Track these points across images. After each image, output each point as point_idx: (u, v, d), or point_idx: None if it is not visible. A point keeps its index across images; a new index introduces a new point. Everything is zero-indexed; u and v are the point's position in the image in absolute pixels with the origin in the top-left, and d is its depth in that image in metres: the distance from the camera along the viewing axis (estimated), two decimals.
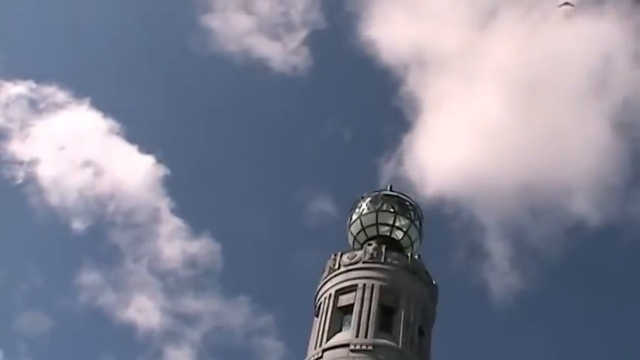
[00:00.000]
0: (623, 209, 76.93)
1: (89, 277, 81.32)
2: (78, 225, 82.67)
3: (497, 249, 78.88)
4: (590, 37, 79.08)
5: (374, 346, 32.23)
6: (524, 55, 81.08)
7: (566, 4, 61.56)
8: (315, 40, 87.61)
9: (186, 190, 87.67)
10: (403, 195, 40.76)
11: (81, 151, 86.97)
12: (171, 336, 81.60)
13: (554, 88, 79.41)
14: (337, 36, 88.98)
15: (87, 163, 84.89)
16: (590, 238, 78.29)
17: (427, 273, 37.12)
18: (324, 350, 32.77)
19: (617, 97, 78.77)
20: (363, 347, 32.14)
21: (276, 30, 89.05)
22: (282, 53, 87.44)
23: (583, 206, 76.56)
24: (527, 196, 76.25)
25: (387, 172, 74.92)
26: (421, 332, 34.53)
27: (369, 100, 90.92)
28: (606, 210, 76.67)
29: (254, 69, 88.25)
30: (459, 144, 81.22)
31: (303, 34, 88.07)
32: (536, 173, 75.43)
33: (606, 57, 79.11)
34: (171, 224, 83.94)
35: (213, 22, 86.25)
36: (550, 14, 79.01)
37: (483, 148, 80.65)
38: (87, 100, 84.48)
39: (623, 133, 77.37)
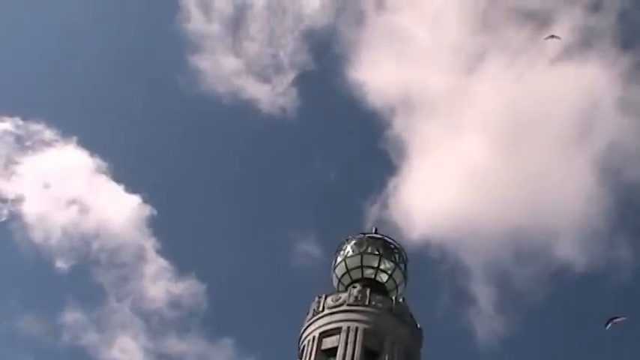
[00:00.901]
0: (608, 253, 77.31)
1: (72, 316, 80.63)
2: (62, 263, 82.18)
3: (483, 293, 78.90)
4: (576, 83, 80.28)
5: None
6: (510, 100, 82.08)
7: (552, 37, 62.87)
8: (304, 82, 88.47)
9: (171, 230, 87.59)
10: (388, 238, 40.88)
11: (66, 189, 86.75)
12: None
13: (540, 133, 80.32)
14: (325, 78, 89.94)
15: (72, 202, 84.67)
16: (576, 282, 78.47)
17: (412, 316, 37.06)
18: None
19: (602, 142, 79.67)
20: None
21: (264, 71, 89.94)
22: (270, 94, 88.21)
23: (568, 250, 76.92)
24: (512, 240, 76.56)
25: (372, 214, 75.11)
26: None
27: (355, 143, 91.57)
28: (591, 254, 77.01)
29: (243, 110, 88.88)
30: (444, 188, 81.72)
31: (291, 75, 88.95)
32: (522, 217, 75.86)
33: (592, 103, 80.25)
34: (156, 264, 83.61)
35: (202, 62, 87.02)
36: (536, 60, 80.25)
37: (469, 191, 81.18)
38: (74, 138, 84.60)
39: (608, 177, 78.10)
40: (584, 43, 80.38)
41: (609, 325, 39.34)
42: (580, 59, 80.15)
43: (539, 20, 77.72)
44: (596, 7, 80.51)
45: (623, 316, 39.22)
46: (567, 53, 79.42)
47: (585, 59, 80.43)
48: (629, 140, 78.72)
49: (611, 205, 77.08)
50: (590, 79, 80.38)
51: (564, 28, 76.57)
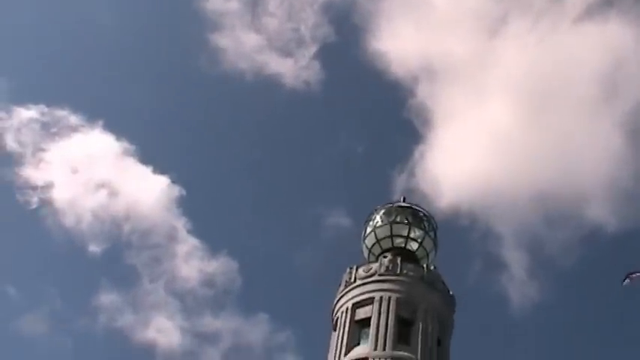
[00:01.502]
0: (639, 214, 76.49)
1: (107, 299, 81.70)
2: (94, 247, 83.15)
3: (514, 259, 78.65)
4: (599, 43, 79.09)
5: (392, 358, 32.19)
6: (533, 64, 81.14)
7: None
8: (326, 55, 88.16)
9: (201, 209, 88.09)
10: (417, 206, 40.78)
11: (95, 173, 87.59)
12: (191, 355, 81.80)
13: (565, 94, 79.40)
14: (347, 50, 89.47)
15: (101, 185, 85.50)
16: (607, 244, 77.87)
17: (444, 283, 37.04)
18: None
19: (629, 102, 78.61)
20: None
21: (286, 46, 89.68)
22: (293, 69, 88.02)
23: (598, 212, 76.32)
24: (541, 204, 76.08)
25: (400, 184, 75.06)
26: (439, 343, 34.50)
27: (380, 113, 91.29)
28: (622, 215, 76.30)
29: (266, 85, 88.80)
30: (471, 154, 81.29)
31: (313, 49, 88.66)
32: (550, 182, 75.29)
33: (616, 63, 79.06)
34: (187, 244, 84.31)
35: (222, 40, 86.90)
36: (558, 22, 79.12)
37: (496, 157, 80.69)
38: (100, 122, 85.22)
39: (636, 138, 77.11)
40: (606, 2, 79.03)
41: (627, 281, 39.29)
42: (602, 18, 78.94)
43: None
44: None
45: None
46: (589, 13, 78.27)
47: (607, 18, 79.19)
48: None
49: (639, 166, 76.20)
50: (614, 37, 79.18)
51: None
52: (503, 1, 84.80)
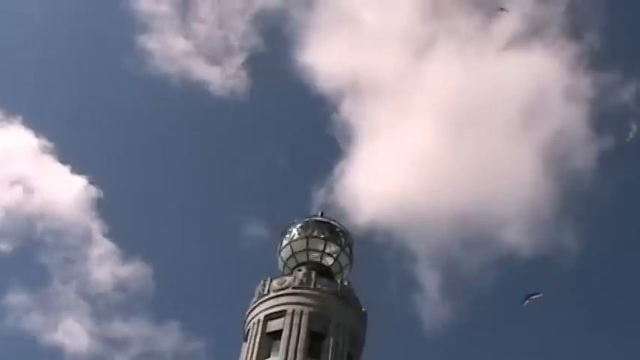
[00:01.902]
0: (553, 240, 78.67)
1: (16, 299, 79.29)
2: (5, 245, 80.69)
3: (429, 279, 79.73)
4: (523, 71, 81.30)
5: None
6: (459, 87, 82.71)
7: (501, 9, 64.40)
8: (254, 65, 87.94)
9: (118, 213, 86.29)
10: (334, 221, 41.03)
11: (11, 169, 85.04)
12: None
13: (488, 119, 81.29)
14: (275, 61, 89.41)
15: (17, 182, 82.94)
16: (521, 268, 79.75)
17: (357, 300, 37.31)
18: None
19: (548, 131, 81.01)
20: None
21: (215, 53, 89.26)
22: (220, 77, 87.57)
23: (514, 236, 78.11)
24: (459, 226, 77.40)
25: (319, 198, 75.28)
26: (350, 358, 34.71)
27: (304, 127, 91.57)
28: (537, 240, 78.36)
29: (192, 91, 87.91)
30: (392, 173, 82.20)
31: (241, 58, 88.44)
32: (469, 203, 76.73)
33: (538, 91, 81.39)
34: (102, 247, 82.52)
35: (150, 43, 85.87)
36: (485, 48, 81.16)
37: (416, 177, 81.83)
38: (19, 117, 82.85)
39: (553, 166, 79.47)
40: (533, 32, 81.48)
41: (527, 302, 40.74)
42: (528, 48, 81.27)
43: (489, 8, 78.42)
44: None
45: (539, 294, 40.68)
46: (515, 42, 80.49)
47: (533, 48, 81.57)
48: (574, 129, 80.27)
49: (556, 193, 78.57)
50: (538, 67, 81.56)
51: (514, 16, 77.38)
52: (432, 23, 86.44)
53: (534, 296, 40.71)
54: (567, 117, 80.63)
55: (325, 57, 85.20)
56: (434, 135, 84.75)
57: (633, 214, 78.45)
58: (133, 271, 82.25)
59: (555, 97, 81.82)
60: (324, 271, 38.02)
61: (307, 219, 40.90)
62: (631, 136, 35.16)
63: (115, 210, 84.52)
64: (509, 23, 79.23)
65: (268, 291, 36.18)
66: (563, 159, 79.72)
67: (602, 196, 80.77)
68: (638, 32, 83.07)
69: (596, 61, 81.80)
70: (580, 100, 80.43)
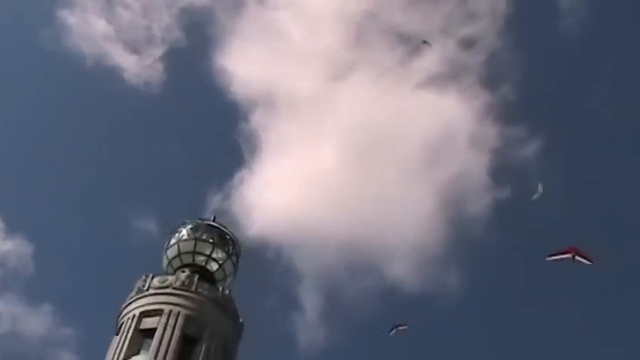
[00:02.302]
0: (438, 279, 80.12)
1: None
2: None
3: (311, 300, 79.93)
4: (434, 111, 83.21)
5: None
6: (370, 116, 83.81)
7: (425, 42, 66.04)
8: (172, 59, 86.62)
9: (5, 186, 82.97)
10: (225, 228, 40.61)
11: None
12: None
13: (393, 152, 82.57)
14: (194, 58, 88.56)
15: None
16: (403, 301, 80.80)
17: (236, 309, 36.99)
18: None
19: (449, 173, 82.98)
20: None
21: (135, 41, 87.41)
22: (137, 66, 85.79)
23: (401, 270, 79.30)
24: (348, 253, 78.06)
25: (214, 203, 74.61)
26: None
27: (211, 129, 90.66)
28: (422, 278, 79.73)
29: (105, 75, 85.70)
30: (291, 190, 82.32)
31: (161, 50, 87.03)
32: (361, 231, 77.42)
33: (446, 133, 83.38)
34: None
35: (70, 18, 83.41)
36: (402, 83, 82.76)
37: (314, 198, 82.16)
38: None
39: (448, 208, 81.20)
40: (450, 76, 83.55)
41: (393, 331, 41.71)
42: (443, 89, 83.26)
43: (412, 45, 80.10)
44: (470, 44, 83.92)
45: (406, 325, 41.72)
46: (432, 81, 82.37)
47: (448, 90, 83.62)
48: (474, 175, 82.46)
49: (447, 234, 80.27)
50: (449, 109, 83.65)
51: (434, 57, 79.31)
52: (355, 50, 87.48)
53: (401, 327, 41.71)
54: (469, 163, 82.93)
55: (244, 64, 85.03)
56: (338, 159, 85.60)
57: (515, 267, 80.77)
58: (13, 247, 79.15)
59: (461, 142, 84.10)
60: (207, 276, 37.56)
61: (199, 221, 40.36)
62: (537, 195, 36.23)
63: (2, 183, 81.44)
64: (429, 63, 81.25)
65: (148, 288, 35.41)
66: (458, 202, 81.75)
67: (489, 244, 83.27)
68: (550, 91, 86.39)
69: (505, 114, 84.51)
70: (484, 149, 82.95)
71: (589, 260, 33.93)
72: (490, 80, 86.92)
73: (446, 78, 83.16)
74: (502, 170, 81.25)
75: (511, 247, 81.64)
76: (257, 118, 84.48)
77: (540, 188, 38.02)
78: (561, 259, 34.07)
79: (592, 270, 34.42)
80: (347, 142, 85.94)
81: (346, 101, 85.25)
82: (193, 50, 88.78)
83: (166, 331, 33.32)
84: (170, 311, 34.27)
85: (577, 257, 33.90)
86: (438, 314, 78.35)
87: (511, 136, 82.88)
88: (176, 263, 38.32)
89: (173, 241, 39.08)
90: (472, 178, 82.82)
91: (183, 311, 34.40)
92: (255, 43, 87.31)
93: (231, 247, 40.10)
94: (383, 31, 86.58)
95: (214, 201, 76.15)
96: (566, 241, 35.73)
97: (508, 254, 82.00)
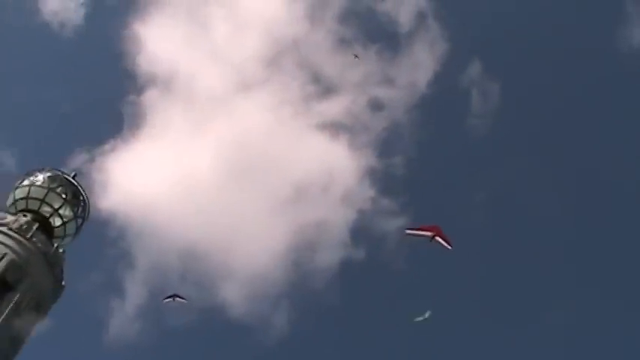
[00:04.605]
0: (265, 315, 79.51)
1: None
2: None
3: (134, 292, 77.73)
4: (318, 154, 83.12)
5: None
6: (259, 137, 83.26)
7: (355, 56, 67.64)
8: (94, 9, 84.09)
9: None
10: (82, 189, 39.38)
11: None
12: None
13: (267, 181, 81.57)
14: (113, 15, 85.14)
15: None
16: (226, 323, 79.38)
17: (62, 271, 35.79)
18: None
19: (312, 218, 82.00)
20: None
21: None
22: (55, 2, 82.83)
23: (232, 294, 77.95)
24: (187, 260, 76.44)
25: (78, 161, 71.95)
26: (24, 321, 32.98)
27: (101, 90, 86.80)
28: (250, 308, 78.81)
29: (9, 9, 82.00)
30: (155, 179, 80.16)
31: None
32: (208, 245, 75.76)
33: (323, 179, 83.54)
34: None
35: None
36: (303, 115, 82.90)
37: (175, 193, 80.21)
38: None
39: (299, 250, 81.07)
40: (348, 129, 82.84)
41: (169, 299, 41.73)
42: (336, 139, 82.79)
43: (322, 87, 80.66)
44: (378, 106, 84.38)
45: (185, 300, 41.97)
46: (329, 127, 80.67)
47: (340, 141, 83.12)
48: (335, 228, 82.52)
49: (289, 275, 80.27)
50: (334, 159, 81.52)
51: (339, 106, 79.21)
52: (270, 69, 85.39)
53: (179, 299, 41.75)
54: (334, 215, 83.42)
55: (158, 40, 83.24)
56: (213, 167, 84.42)
57: (343, 327, 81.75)
58: None
59: (335, 193, 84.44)
60: (47, 229, 36.21)
61: (59, 173, 38.94)
62: (420, 318, 36.45)
63: None
64: (333, 109, 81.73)
65: None
66: (310, 249, 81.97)
67: (326, 298, 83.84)
68: (433, 180, 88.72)
69: (386, 183, 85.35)
70: (353, 207, 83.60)
71: (448, 244, 33.22)
72: (384, 147, 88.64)
73: (344, 129, 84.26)
74: (362, 233, 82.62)
75: (345, 306, 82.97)
76: (150, 97, 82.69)
77: (427, 314, 38.37)
78: (420, 235, 33.35)
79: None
80: (228, 154, 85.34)
81: (242, 115, 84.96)
82: (115, 7, 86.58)
83: None
84: None
85: (437, 238, 33.16)
86: (253, 347, 78.39)
87: (382, 206, 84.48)
88: (20, 205, 36.74)
89: (26, 182, 37.48)
90: (332, 230, 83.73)
91: (10, 255, 33.03)
92: (178, 24, 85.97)
93: (80, 210, 38.86)
94: (301, 63, 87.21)
95: (78, 159, 73.56)
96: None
97: (340, 312, 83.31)
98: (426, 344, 71.86)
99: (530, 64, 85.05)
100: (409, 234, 34.78)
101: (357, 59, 69.72)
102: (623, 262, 76.66)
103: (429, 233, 33.96)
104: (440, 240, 33.96)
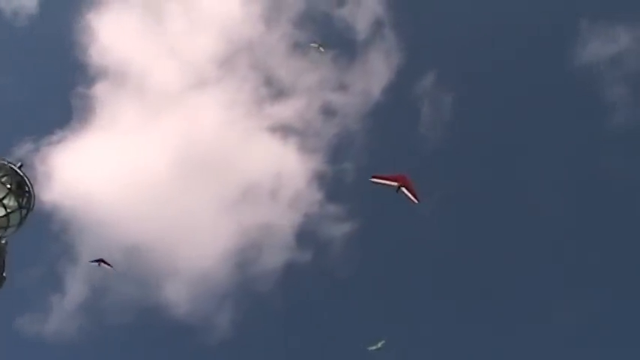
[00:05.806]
0: (207, 316, 79.26)
1: None
2: None
3: (75, 289, 76.96)
4: (271, 158, 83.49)
5: None
6: (211, 136, 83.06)
7: (319, 47, 67.47)
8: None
9: None
10: (28, 179, 38.37)
11: None
12: None
13: (218, 180, 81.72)
14: (67, 5, 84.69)
15: None
16: (168, 323, 78.71)
17: (4, 263, 34.90)
18: None
19: (259, 219, 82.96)
20: None
21: None
22: None
23: (174, 294, 77.97)
24: (131, 257, 76.10)
25: (22, 150, 70.78)
26: None
27: (52, 80, 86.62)
28: (192, 308, 78.60)
29: None
30: (103, 174, 79.71)
31: None
32: (153, 243, 75.96)
33: (271, 182, 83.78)
34: None
35: None
36: (253, 117, 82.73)
37: (123, 191, 79.93)
38: None
39: (245, 251, 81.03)
40: (299, 132, 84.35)
41: (95, 263, 41.16)
42: (286, 142, 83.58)
43: (275, 90, 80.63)
44: (331, 112, 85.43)
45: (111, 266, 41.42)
46: (280, 130, 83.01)
47: (290, 145, 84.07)
48: (280, 231, 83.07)
49: (232, 276, 79.98)
50: (284, 163, 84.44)
51: (291, 110, 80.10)
52: (224, 68, 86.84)
53: (105, 264, 41.27)
54: (281, 218, 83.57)
55: (112, 31, 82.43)
56: (164, 163, 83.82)
57: (286, 330, 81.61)
58: None
59: (282, 196, 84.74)
60: None
61: (4, 162, 37.83)
62: (374, 347, 36.29)
63: None
64: (284, 112, 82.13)
65: None
66: (255, 250, 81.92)
67: (268, 300, 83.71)
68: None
69: (334, 189, 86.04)
70: (300, 211, 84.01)
71: (415, 197, 31.90)
72: (335, 153, 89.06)
73: (294, 132, 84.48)
74: (307, 237, 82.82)
75: (288, 308, 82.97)
76: (101, 89, 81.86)
77: (380, 344, 38.44)
78: (386, 184, 32.22)
79: None
80: (178, 152, 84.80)
81: (194, 112, 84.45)
82: None
83: None
84: None
85: (403, 189, 31.88)
86: (195, 347, 77.82)
87: (329, 211, 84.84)
88: None
89: None
90: (278, 233, 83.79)
91: None
92: (133, 18, 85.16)
93: (26, 200, 37.77)
94: (256, 65, 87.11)
95: (23, 148, 72.30)
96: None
97: (283, 314, 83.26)
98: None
99: (484, 77, 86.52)
100: (375, 182, 33.72)
101: (321, 51, 69.23)
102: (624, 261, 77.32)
103: (395, 183, 32.72)
104: (406, 192, 32.71)
